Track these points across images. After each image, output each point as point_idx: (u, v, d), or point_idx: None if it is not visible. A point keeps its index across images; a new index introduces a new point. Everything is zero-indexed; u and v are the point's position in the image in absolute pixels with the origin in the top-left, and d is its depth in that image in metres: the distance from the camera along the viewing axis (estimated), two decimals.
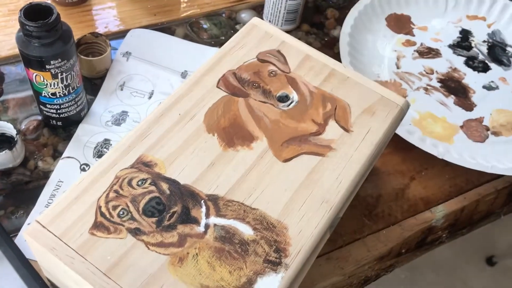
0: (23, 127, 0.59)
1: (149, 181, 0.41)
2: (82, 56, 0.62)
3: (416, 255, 0.61)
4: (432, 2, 0.78)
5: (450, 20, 0.77)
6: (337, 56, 0.67)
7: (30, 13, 0.49)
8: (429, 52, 0.72)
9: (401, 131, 0.60)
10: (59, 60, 0.51)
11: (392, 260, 0.58)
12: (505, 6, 0.77)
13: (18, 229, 0.51)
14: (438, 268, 1.39)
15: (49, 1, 0.71)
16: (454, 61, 0.72)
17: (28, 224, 0.51)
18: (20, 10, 0.49)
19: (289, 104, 0.47)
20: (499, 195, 0.62)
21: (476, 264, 1.44)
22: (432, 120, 0.65)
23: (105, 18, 0.71)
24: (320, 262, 0.52)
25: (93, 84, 0.64)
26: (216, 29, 0.73)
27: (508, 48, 0.75)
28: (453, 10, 0.78)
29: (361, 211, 0.57)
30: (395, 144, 0.61)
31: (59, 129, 0.59)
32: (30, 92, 0.61)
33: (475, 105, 0.67)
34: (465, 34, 0.76)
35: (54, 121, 0.58)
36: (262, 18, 0.73)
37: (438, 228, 0.59)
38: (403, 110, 0.49)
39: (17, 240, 0.50)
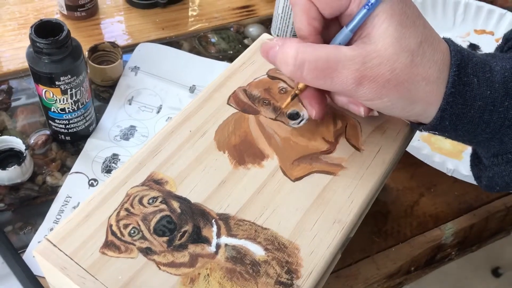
0: (32, 141, 0.59)
1: (160, 199, 0.41)
2: (95, 65, 0.63)
3: (425, 272, 0.60)
4: (441, 17, 0.78)
5: (458, 34, 0.77)
6: None
7: (41, 30, 0.49)
8: None
9: (410, 147, 0.60)
10: (69, 76, 0.51)
11: (401, 278, 0.57)
12: None
13: (26, 245, 0.51)
14: (444, 279, 1.39)
15: (58, 15, 0.72)
16: None
17: (38, 242, 0.51)
18: (31, 27, 0.49)
19: (300, 122, 0.47)
20: (509, 212, 0.62)
21: (482, 275, 1.44)
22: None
23: (114, 32, 0.72)
24: (329, 281, 0.52)
25: (101, 98, 0.64)
26: (224, 43, 0.73)
27: None
28: (461, 24, 0.78)
29: (370, 228, 0.56)
30: (404, 160, 0.60)
31: (68, 144, 0.59)
32: (38, 107, 0.61)
33: None
34: (473, 48, 0.76)
35: (62, 136, 0.58)
36: (270, 33, 0.73)
37: (448, 245, 0.59)
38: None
39: (25, 256, 0.50)
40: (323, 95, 0.43)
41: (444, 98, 0.38)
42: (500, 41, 0.47)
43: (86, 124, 0.58)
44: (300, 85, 0.43)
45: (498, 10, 0.78)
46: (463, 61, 0.38)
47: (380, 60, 0.37)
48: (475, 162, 0.47)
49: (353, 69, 0.37)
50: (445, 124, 0.39)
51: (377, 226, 0.57)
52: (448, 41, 0.40)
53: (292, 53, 0.38)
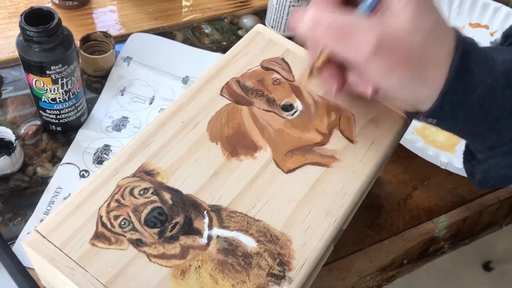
0: (22, 132, 0.58)
1: (151, 191, 0.40)
2: (87, 55, 0.62)
3: (417, 265, 0.60)
4: None
5: None
6: None
7: (31, 18, 0.49)
8: None
9: (403, 140, 0.60)
10: (60, 65, 0.51)
11: (394, 271, 0.57)
12: (507, 15, 0.77)
13: (16, 236, 0.51)
14: (435, 273, 1.39)
15: (49, 4, 0.71)
16: None
17: (28, 233, 0.51)
18: (21, 15, 0.48)
19: (293, 113, 0.47)
20: (502, 206, 0.62)
21: (473, 270, 1.44)
22: (435, 129, 0.64)
23: (106, 22, 0.71)
24: (321, 273, 0.52)
25: (93, 88, 0.63)
26: (218, 34, 0.72)
27: None
28: (456, 18, 0.78)
29: (364, 221, 0.56)
30: (398, 153, 0.60)
31: (59, 134, 0.58)
32: (29, 96, 0.60)
33: None
34: None
35: (53, 126, 0.57)
36: (264, 24, 0.72)
37: (440, 238, 0.59)
38: (408, 121, 0.48)
39: (15, 248, 0.50)
40: (342, 71, 0.42)
41: (446, 83, 0.38)
42: (499, 39, 0.47)
43: (78, 115, 0.58)
44: (318, 62, 0.42)
45: (493, 4, 0.78)
46: (467, 48, 0.39)
47: (398, 32, 0.37)
48: (468, 158, 0.47)
49: (372, 35, 0.36)
50: (445, 110, 0.39)
51: (370, 219, 0.57)
52: (453, 27, 0.40)
53: (311, 12, 0.38)
